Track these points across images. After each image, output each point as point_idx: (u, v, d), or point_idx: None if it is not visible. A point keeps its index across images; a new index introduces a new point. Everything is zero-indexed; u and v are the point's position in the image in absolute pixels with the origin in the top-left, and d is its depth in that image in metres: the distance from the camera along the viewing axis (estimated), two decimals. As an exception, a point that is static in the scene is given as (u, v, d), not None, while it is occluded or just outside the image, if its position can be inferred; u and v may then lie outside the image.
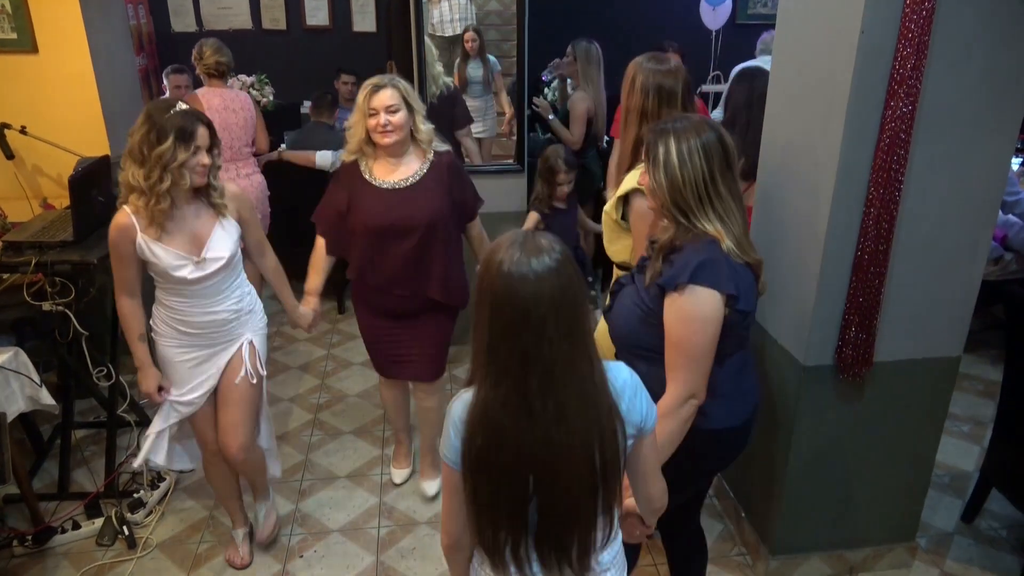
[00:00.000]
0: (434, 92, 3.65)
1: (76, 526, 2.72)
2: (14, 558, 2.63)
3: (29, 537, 2.63)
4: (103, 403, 3.11)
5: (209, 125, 2.12)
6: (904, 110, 1.89)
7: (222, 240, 2.23)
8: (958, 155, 2.02)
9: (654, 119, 2.09)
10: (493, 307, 1.17)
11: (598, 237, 3.57)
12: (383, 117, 2.42)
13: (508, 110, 3.81)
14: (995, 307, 3.94)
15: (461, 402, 1.27)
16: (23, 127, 3.17)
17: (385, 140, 2.45)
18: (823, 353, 2.22)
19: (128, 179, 2.07)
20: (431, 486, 2.95)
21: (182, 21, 5.89)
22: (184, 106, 2.07)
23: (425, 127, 2.52)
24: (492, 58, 3.87)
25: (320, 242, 2.65)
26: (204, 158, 2.09)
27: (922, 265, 2.13)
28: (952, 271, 2.17)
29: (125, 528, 2.69)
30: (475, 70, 3.85)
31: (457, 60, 3.78)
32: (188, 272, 2.16)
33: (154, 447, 2.38)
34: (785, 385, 2.34)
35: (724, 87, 5.32)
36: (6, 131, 3.17)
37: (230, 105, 3.75)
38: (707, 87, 5.53)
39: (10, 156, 3.21)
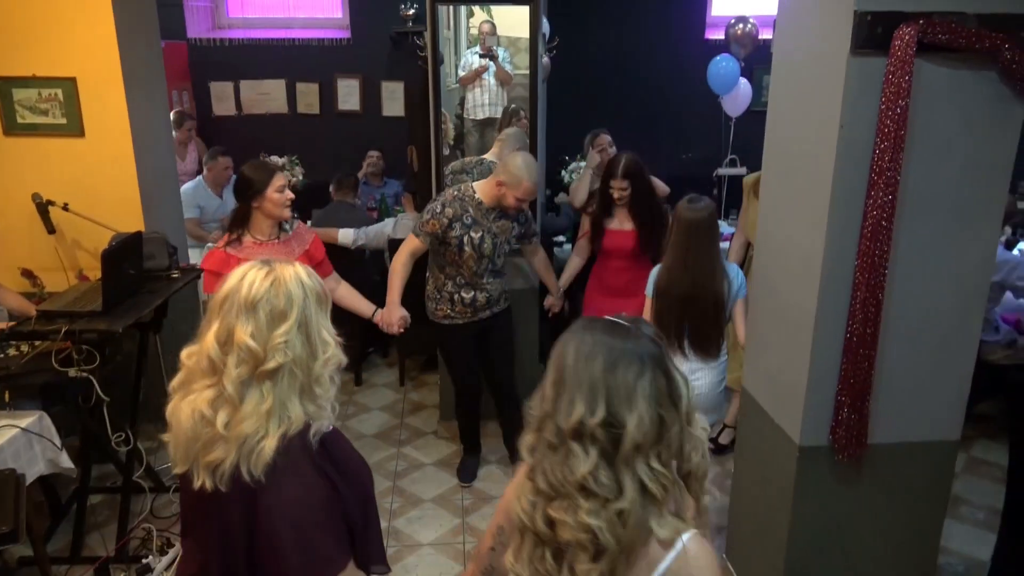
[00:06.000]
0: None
1: (85, 591, 2.77)
2: (23, 621, 2.68)
3: (39, 600, 2.69)
4: (120, 468, 3.20)
5: None
6: (885, 199, 1.98)
7: None
8: (943, 242, 2.10)
9: None
10: (680, 232, 2.79)
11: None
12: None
13: None
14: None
15: (655, 271, 2.91)
16: (65, 204, 3.38)
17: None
18: (818, 434, 2.24)
19: None
20: None
21: (223, 105, 6.25)
22: None
23: None
24: None
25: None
26: None
27: (913, 348, 2.17)
28: (944, 355, 2.20)
29: (132, 594, 2.73)
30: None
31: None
32: None
33: None
34: (782, 464, 2.36)
35: (738, 171, 5.50)
36: (49, 208, 3.39)
37: None
38: (722, 171, 5.68)
39: (51, 231, 3.41)
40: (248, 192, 2.71)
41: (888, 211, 1.98)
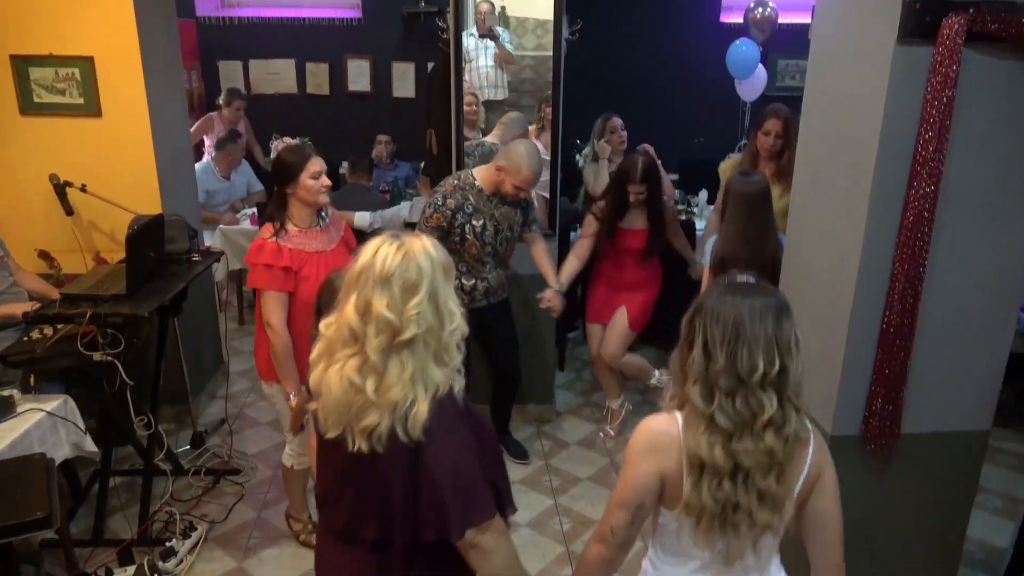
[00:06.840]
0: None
1: (109, 573, 2.77)
2: (49, 603, 2.69)
3: (64, 583, 2.70)
4: (141, 451, 3.20)
5: None
6: (927, 190, 1.96)
7: None
8: (981, 234, 2.08)
9: None
10: (735, 206, 2.90)
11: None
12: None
13: None
14: (1028, 381, 3.90)
15: (710, 242, 3.05)
16: (83, 185, 3.35)
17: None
18: (850, 423, 2.24)
19: None
20: None
21: (231, 85, 6.19)
22: None
23: None
24: None
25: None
26: None
27: (948, 339, 2.17)
28: (978, 346, 2.19)
29: (156, 576, 2.74)
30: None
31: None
32: None
33: None
34: (812, 455, 2.36)
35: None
36: (67, 189, 3.36)
37: None
38: (735, 155, 5.65)
39: (69, 212, 3.39)
40: (282, 176, 2.61)
41: (930, 202, 1.97)
